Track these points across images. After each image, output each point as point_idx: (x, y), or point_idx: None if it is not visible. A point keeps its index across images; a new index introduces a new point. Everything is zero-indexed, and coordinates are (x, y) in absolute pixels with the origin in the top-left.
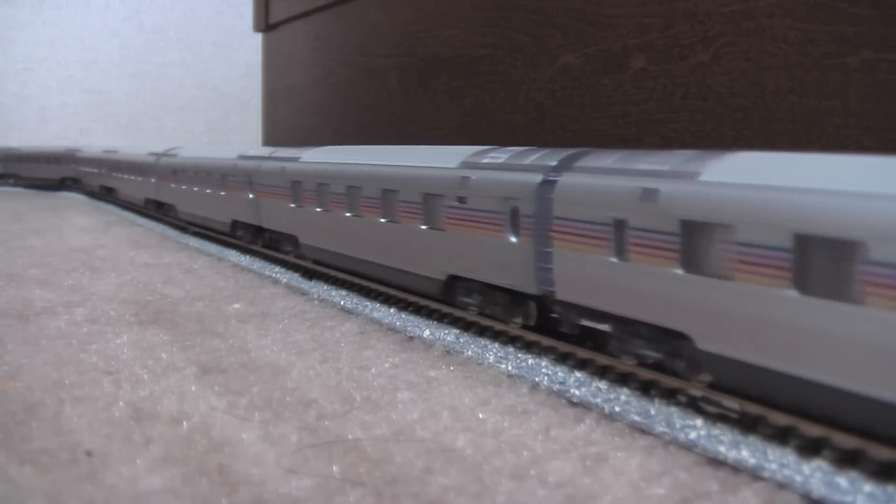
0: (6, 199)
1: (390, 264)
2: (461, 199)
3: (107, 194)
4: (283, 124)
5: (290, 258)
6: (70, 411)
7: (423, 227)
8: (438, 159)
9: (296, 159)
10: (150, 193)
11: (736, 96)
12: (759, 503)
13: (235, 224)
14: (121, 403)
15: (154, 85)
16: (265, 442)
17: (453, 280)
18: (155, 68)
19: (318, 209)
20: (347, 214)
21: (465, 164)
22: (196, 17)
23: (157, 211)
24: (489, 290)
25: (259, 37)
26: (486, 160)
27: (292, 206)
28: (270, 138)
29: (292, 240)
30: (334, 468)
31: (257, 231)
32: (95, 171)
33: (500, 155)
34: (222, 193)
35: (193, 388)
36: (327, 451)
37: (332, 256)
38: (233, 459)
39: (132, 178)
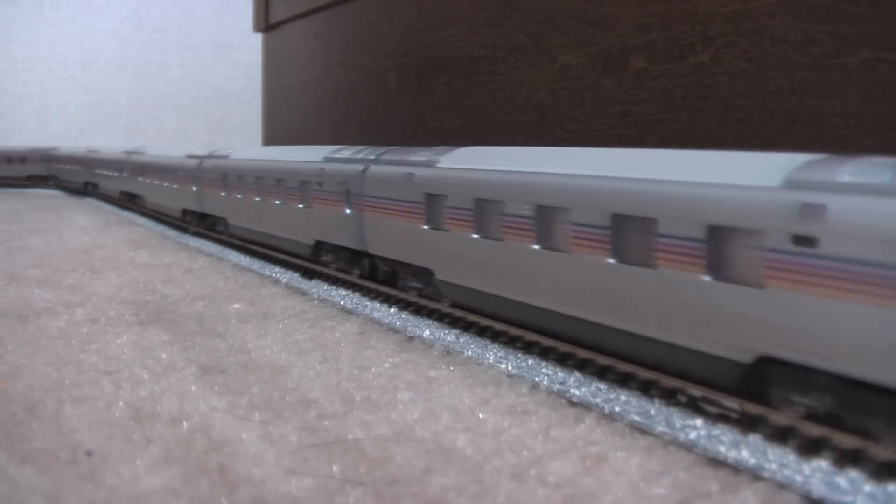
0: (6, 199)
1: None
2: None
3: (128, 201)
4: (283, 124)
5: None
6: (70, 411)
7: (300, 206)
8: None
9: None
10: (187, 203)
11: (736, 96)
12: (759, 503)
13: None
14: (121, 403)
15: (154, 85)
16: (265, 442)
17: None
18: (155, 68)
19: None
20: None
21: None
22: (196, 17)
23: (199, 224)
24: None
25: (259, 37)
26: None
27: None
28: (270, 138)
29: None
30: (334, 468)
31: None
32: (110, 173)
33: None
34: (300, 206)
35: (193, 388)
36: (327, 451)
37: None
38: (233, 459)
39: (163, 183)
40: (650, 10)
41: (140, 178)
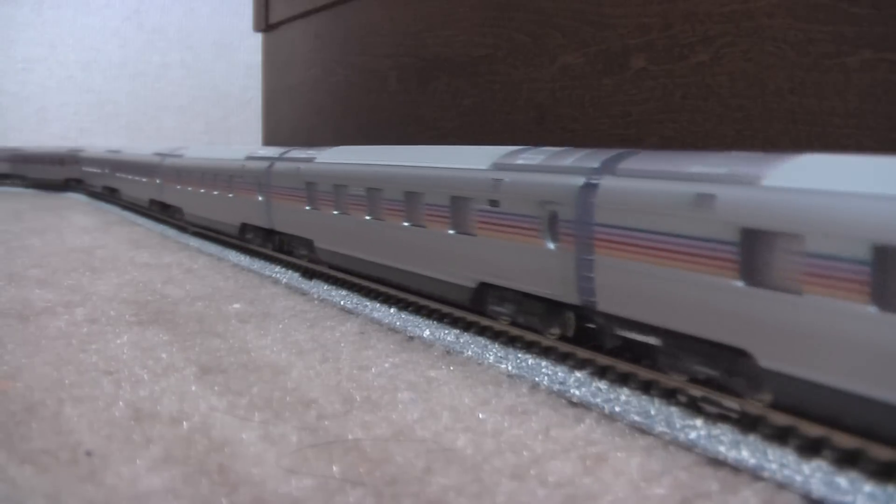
0: (6, 199)
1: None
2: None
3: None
4: (283, 124)
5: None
6: (70, 411)
7: (215, 192)
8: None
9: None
10: (250, 216)
11: (736, 96)
12: (759, 503)
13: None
14: (121, 403)
15: (154, 85)
16: (265, 442)
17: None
18: (155, 68)
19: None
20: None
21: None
22: (196, 17)
23: (265, 243)
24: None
25: (259, 37)
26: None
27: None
28: (270, 138)
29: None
30: (334, 468)
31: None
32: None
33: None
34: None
35: (193, 388)
36: (327, 451)
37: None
38: (233, 459)
39: (212, 192)
40: (650, 10)
41: (178, 186)
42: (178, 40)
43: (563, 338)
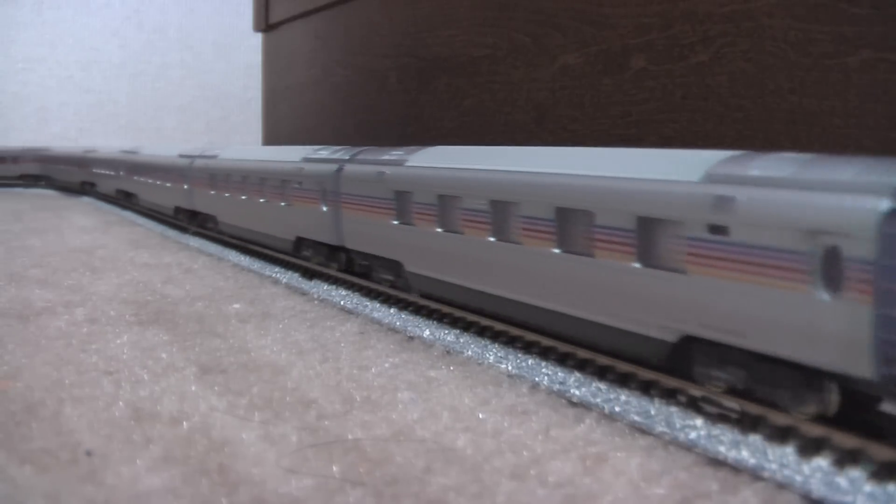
0: (6, 198)
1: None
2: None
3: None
4: (283, 124)
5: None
6: (70, 411)
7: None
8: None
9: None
10: (318, 233)
11: (736, 96)
12: (759, 503)
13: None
14: (121, 403)
15: (154, 85)
16: (265, 442)
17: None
18: (155, 68)
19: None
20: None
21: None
22: (196, 17)
23: (329, 261)
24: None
25: (259, 37)
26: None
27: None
28: (270, 138)
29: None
30: (334, 468)
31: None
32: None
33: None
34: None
35: (193, 388)
36: (327, 451)
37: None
38: (233, 459)
39: (258, 200)
40: (650, 10)
41: (212, 192)
42: (178, 40)
43: (819, 418)
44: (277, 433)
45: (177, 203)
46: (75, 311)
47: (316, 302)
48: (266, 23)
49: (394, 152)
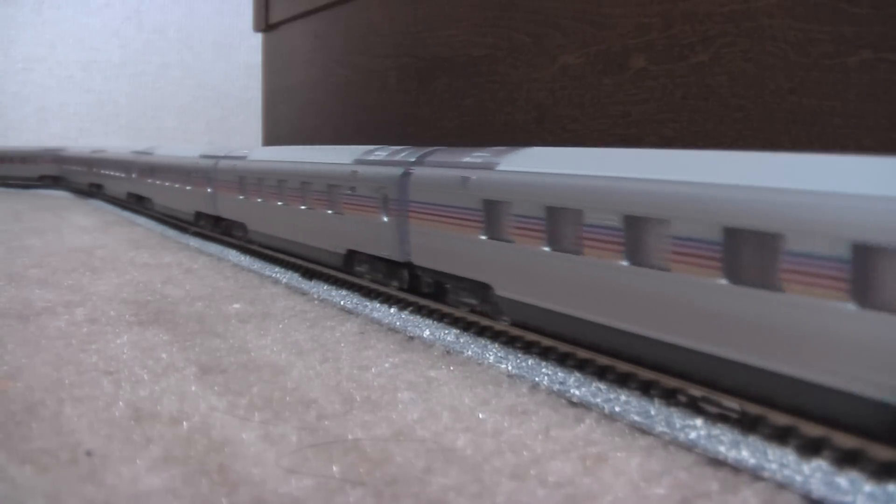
0: (6, 198)
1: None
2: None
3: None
4: (283, 124)
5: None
6: (70, 411)
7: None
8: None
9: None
10: (376, 247)
11: (736, 96)
12: (759, 503)
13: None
14: (121, 403)
15: (154, 85)
16: (265, 442)
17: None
18: (155, 68)
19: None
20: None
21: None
22: (196, 17)
23: (389, 278)
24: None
25: (259, 37)
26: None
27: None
28: (270, 138)
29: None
30: (334, 468)
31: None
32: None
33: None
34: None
35: (193, 388)
36: (327, 451)
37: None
38: (233, 459)
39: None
40: (650, 10)
41: (240, 197)
42: (178, 40)
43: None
44: (277, 433)
45: (198, 208)
46: (75, 311)
47: (316, 302)
48: (266, 23)
49: (476, 154)
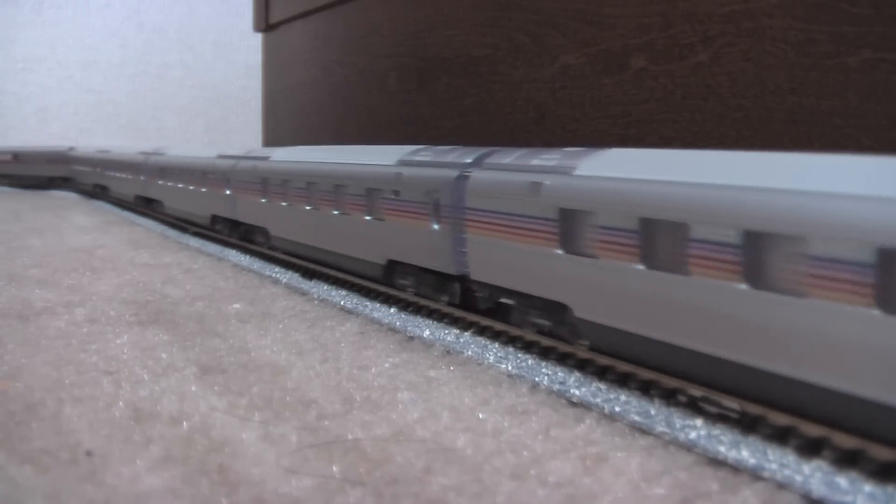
0: (6, 198)
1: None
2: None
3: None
4: (283, 124)
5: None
6: (70, 411)
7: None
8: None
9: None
10: (423, 258)
11: (736, 96)
12: (759, 503)
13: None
14: (121, 403)
15: (154, 85)
16: (265, 442)
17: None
18: (155, 68)
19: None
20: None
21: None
22: (196, 17)
23: (438, 293)
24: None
25: (259, 37)
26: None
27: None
28: (270, 138)
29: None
30: (334, 468)
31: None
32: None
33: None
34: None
35: (193, 388)
36: (327, 451)
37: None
38: (233, 459)
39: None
40: (650, 10)
41: (262, 200)
42: (178, 40)
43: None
44: (277, 433)
45: (214, 211)
46: (75, 311)
47: (316, 302)
48: (266, 23)
49: (546, 156)
